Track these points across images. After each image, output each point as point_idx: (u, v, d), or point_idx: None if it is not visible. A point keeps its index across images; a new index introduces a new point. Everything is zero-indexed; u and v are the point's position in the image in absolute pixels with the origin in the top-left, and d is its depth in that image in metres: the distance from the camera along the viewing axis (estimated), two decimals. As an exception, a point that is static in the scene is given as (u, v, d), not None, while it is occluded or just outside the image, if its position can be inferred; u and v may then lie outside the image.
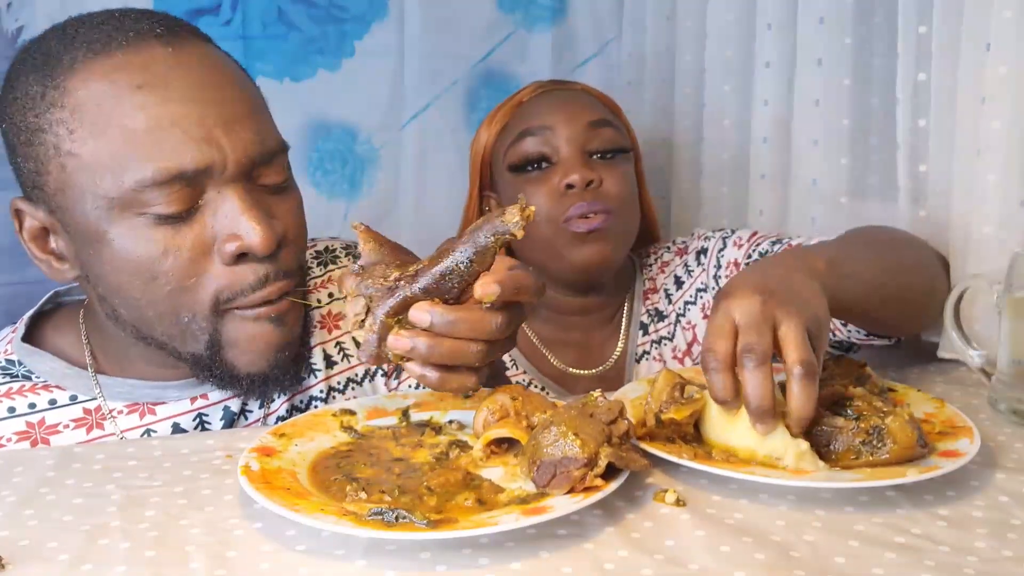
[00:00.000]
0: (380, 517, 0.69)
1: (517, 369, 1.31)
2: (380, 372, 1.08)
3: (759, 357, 0.78)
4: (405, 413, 0.93)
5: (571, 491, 0.73)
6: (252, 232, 0.84)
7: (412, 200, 1.84)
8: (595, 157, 1.28)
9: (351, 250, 1.13)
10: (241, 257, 0.86)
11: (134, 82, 0.83)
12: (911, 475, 0.76)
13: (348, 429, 0.89)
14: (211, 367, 0.90)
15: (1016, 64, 1.06)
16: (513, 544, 0.70)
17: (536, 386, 1.32)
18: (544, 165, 1.27)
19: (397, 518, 0.69)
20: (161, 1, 1.63)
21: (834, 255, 0.95)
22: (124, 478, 0.83)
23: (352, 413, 0.92)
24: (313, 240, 1.10)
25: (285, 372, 0.93)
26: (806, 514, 0.75)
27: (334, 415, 0.91)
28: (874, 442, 0.79)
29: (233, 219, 0.85)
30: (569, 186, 1.24)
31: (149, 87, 0.83)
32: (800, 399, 0.78)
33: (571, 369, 1.33)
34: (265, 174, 0.89)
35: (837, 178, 1.39)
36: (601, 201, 1.24)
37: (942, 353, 1.13)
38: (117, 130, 0.83)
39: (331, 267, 1.09)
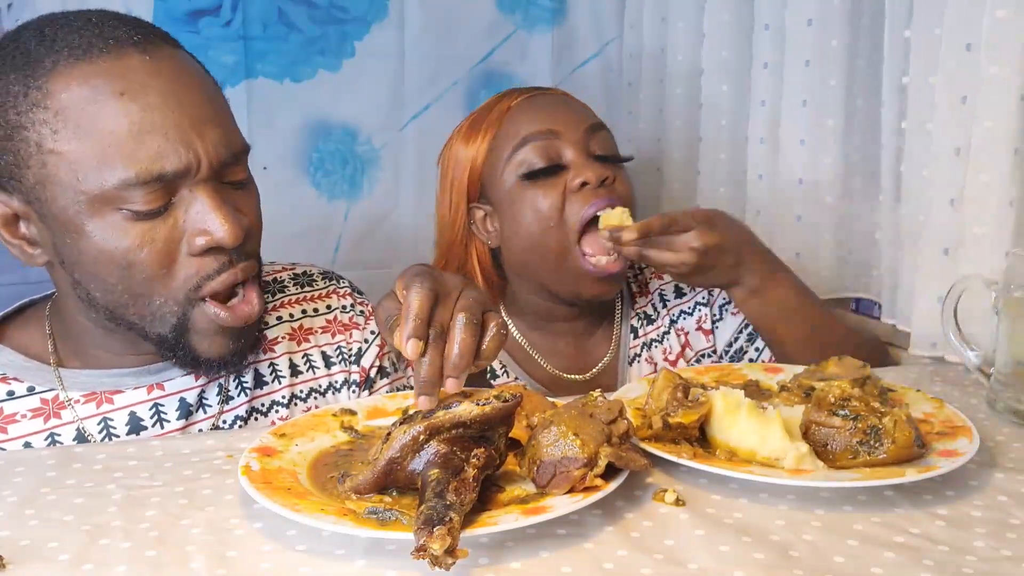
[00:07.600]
0: (375, 516, 0.70)
1: (509, 376, 1.31)
2: (349, 387, 1.13)
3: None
4: (405, 413, 0.93)
5: (571, 491, 0.73)
6: (221, 229, 0.91)
7: (412, 200, 1.84)
8: (597, 160, 1.26)
9: (328, 275, 1.20)
10: (209, 250, 0.93)
11: (116, 89, 0.88)
12: (910, 475, 0.76)
13: (348, 429, 0.90)
14: (174, 348, 0.96)
15: (1008, 64, 1.06)
16: (513, 544, 0.70)
17: None
18: (552, 169, 1.24)
19: (391, 518, 0.69)
20: (163, 2, 1.63)
21: (791, 279, 1.21)
22: (125, 478, 0.84)
23: (352, 413, 0.92)
24: (293, 264, 1.21)
25: (240, 355, 1.00)
26: (805, 514, 0.75)
27: (334, 415, 0.92)
28: (871, 442, 0.79)
29: (203, 216, 0.91)
30: (583, 184, 1.22)
31: (130, 94, 0.88)
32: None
33: (563, 374, 1.33)
34: (232, 172, 0.95)
35: (839, 179, 1.40)
36: (615, 197, 1.23)
37: (945, 356, 1.13)
38: (101, 134, 0.87)
39: (307, 288, 1.17)
